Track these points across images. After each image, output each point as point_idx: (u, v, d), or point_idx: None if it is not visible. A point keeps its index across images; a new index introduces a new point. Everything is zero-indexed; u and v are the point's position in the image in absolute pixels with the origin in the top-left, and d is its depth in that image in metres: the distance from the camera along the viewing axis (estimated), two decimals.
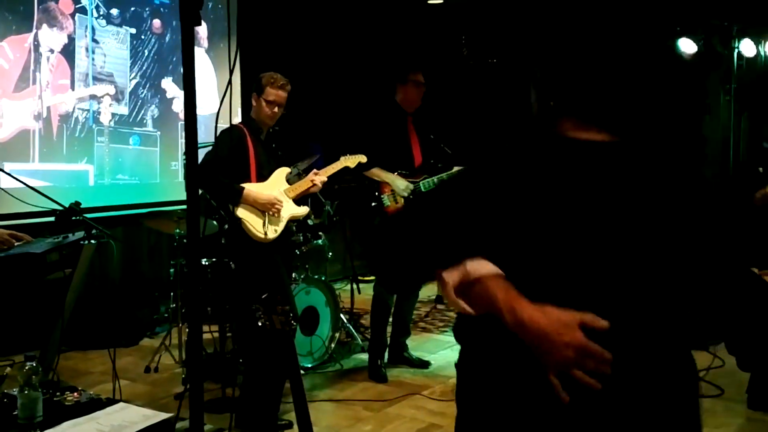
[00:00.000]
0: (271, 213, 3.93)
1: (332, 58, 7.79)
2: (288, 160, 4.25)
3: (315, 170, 4.24)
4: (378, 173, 4.71)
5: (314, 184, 4.16)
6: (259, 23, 6.87)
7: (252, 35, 6.66)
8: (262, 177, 4.02)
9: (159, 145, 6.45)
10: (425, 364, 4.98)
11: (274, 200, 3.93)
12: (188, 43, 1.91)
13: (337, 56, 7.84)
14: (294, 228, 5.09)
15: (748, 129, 7.36)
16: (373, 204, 4.71)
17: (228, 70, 2.55)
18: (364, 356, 4.96)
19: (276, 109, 3.96)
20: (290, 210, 4.09)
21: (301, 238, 5.04)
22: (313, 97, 7.51)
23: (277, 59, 6.89)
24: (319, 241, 5.20)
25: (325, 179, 4.20)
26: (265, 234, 3.91)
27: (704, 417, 4.24)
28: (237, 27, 6.32)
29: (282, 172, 4.14)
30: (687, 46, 6.61)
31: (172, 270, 5.21)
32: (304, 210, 4.18)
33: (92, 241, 3.94)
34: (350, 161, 4.42)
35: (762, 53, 6.57)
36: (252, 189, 3.89)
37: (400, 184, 4.69)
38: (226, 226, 4.09)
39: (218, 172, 3.83)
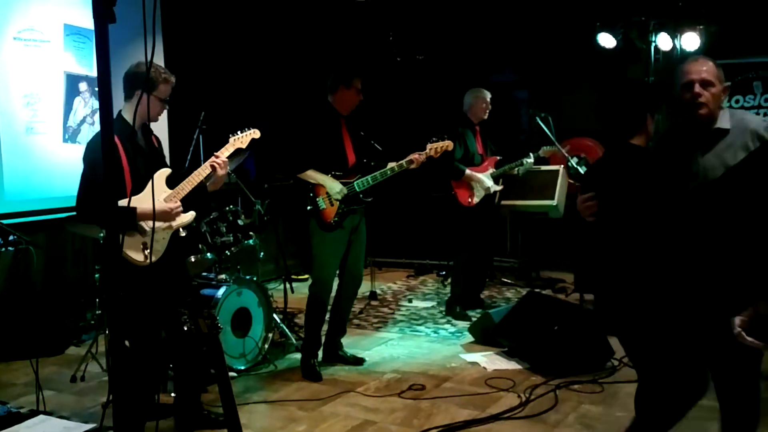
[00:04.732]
0: (173, 223, 3.47)
1: (257, 55, 7.70)
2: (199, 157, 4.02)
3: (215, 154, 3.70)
4: (313, 175, 4.67)
5: (215, 168, 3.61)
6: (180, 20, 6.73)
7: (174, 33, 6.52)
8: (141, 187, 3.39)
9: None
10: (359, 361, 4.98)
11: (170, 209, 3.46)
12: (102, 40, 1.87)
13: (263, 53, 7.76)
14: (224, 229, 5.00)
15: (663, 120, 7.61)
16: (309, 207, 4.68)
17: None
18: (299, 356, 4.92)
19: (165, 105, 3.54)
20: (173, 221, 3.56)
21: (232, 238, 4.95)
22: (239, 95, 7.42)
23: (200, 57, 6.79)
24: (250, 241, 5.12)
25: (226, 159, 3.69)
26: (146, 257, 3.36)
27: None
28: (157, 24, 6.18)
29: (161, 176, 3.57)
30: (606, 40, 6.79)
31: (97, 275, 5.07)
32: (189, 216, 3.61)
33: (10, 248, 3.81)
34: (241, 141, 3.85)
35: (678, 47, 6.79)
36: (141, 206, 3.24)
37: (335, 186, 4.66)
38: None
39: (98, 195, 3.29)
